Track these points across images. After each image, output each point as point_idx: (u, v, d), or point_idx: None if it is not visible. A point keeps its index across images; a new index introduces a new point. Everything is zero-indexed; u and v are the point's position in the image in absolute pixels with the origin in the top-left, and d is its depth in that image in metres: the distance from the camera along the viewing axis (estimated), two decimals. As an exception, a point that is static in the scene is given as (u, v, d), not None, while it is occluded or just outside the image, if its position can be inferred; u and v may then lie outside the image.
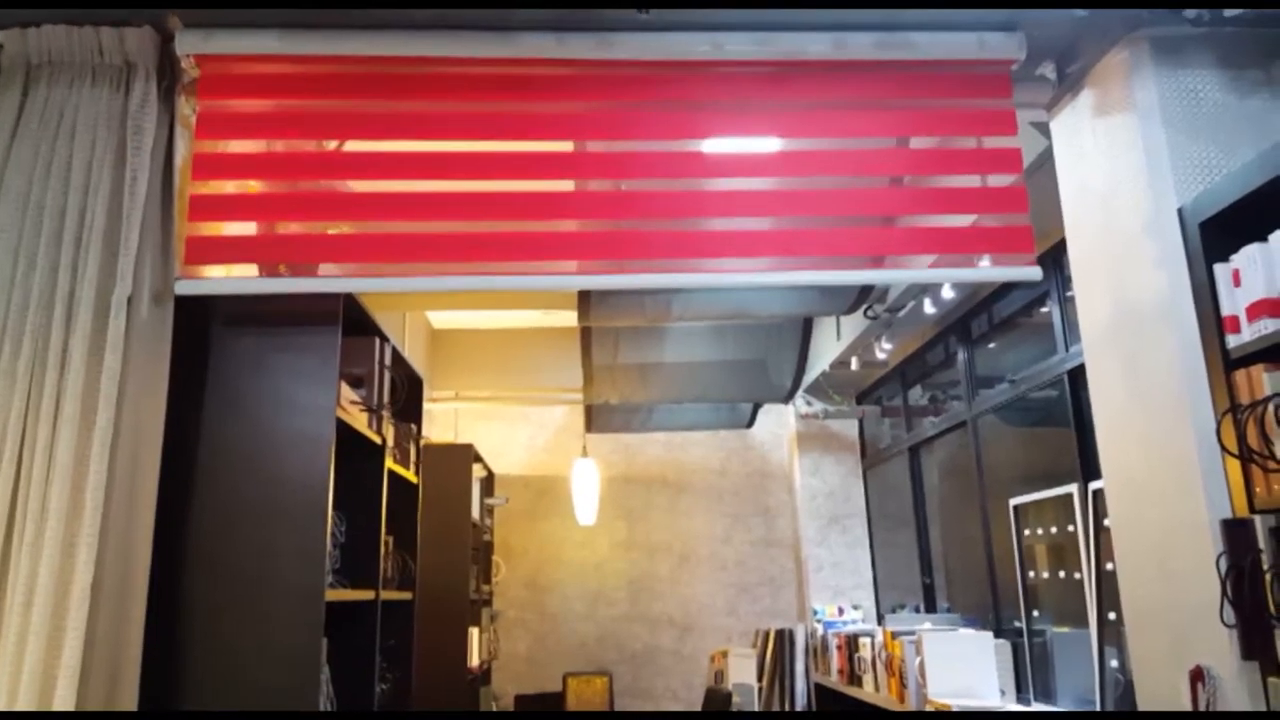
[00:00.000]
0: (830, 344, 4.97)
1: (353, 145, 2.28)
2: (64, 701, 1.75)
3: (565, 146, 2.32)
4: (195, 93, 2.23)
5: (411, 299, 4.17)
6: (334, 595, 2.29)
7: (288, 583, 2.13)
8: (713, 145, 2.32)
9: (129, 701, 1.88)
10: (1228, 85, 2.07)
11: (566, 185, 2.27)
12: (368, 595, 2.62)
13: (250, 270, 2.33)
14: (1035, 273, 2.19)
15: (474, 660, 4.70)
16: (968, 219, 2.27)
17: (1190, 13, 2.05)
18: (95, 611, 1.83)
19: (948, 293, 3.87)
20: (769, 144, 2.32)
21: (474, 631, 4.73)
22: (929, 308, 4.02)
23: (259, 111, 2.25)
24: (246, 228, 2.34)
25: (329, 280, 2.14)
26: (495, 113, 2.25)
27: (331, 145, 2.33)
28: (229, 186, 2.30)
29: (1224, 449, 1.82)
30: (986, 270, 2.20)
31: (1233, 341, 1.84)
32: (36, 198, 2.04)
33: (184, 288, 2.11)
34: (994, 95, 2.28)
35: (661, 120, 2.27)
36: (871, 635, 4.15)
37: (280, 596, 2.12)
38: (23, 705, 1.75)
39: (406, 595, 3.10)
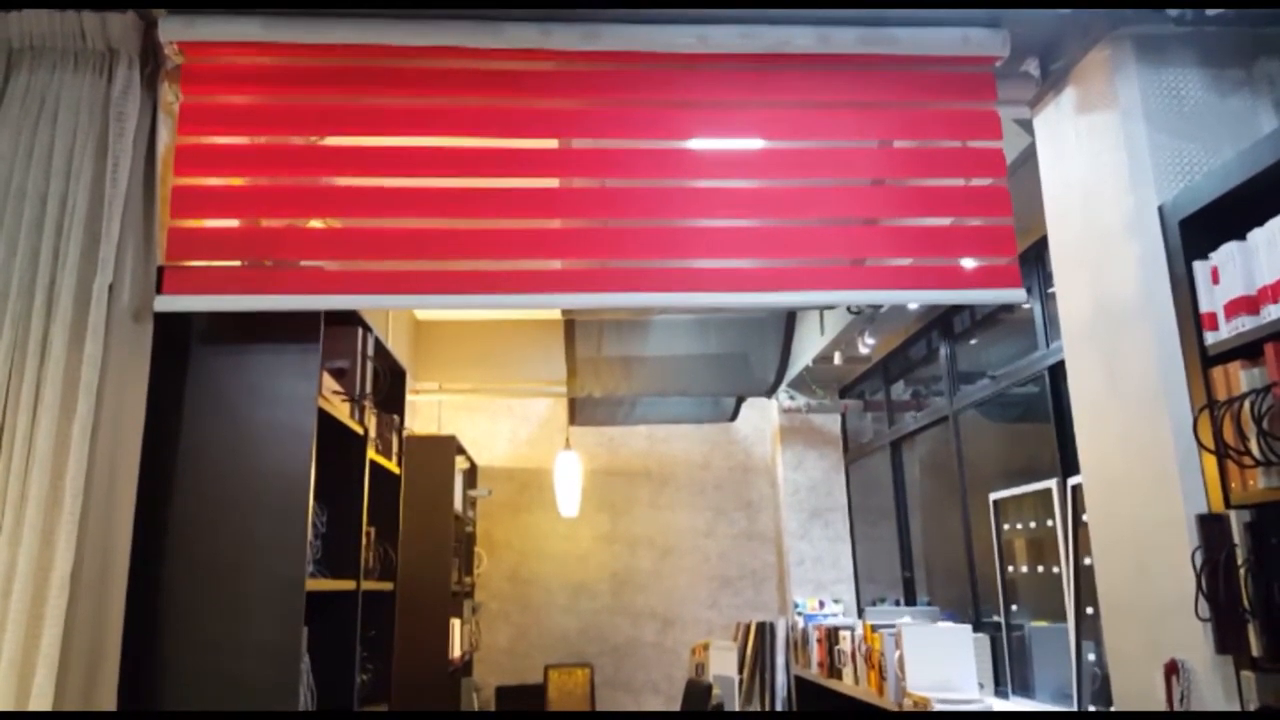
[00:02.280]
0: (813, 338, 4.99)
1: (337, 138, 2.27)
2: (43, 689, 1.75)
3: (550, 143, 2.31)
4: (178, 79, 2.21)
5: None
6: (315, 585, 2.28)
7: (268, 572, 2.13)
8: (697, 144, 2.32)
9: (108, 689, 1.88)
10: (1209, 84, 2.09)
11: (551, 182, 2.27)
12: (349, 585, 2.61)
13: (233, 262, 2.31)
14: (1019, 295, 2.20)
15: (455, 651, 4.70)
16: (950, 219, 2.28)
17: (1173, 11, 2.07)
18: (74, 600, 1.82)
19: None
20: (753, 142, 2.33)
21: (456, 623, 4.72)
22: (911, 304, 4.05)
23: (242, 98, 2.23)
24: (229, 218, 2.32)
25: (309, 298, 2.11)
26: (481, 108, 2.24)
27: (315, 136, 2.32)
28: (212, 175, 2.28)
29: (1201, 445, 1.84)
30: (972, 293, 2.22)
31: (1210, 338, 1.86)
32: (18, 183, 2.02)
33: (163, 304, 2.08)
34: (977, 92, 2.29)
35: (646, 118, 2.27)
36: (851, 628, 4.18)
37: (261, 586, 2.12)
38: (1, 692, 1.74)
39: (388, 586, 3.09)
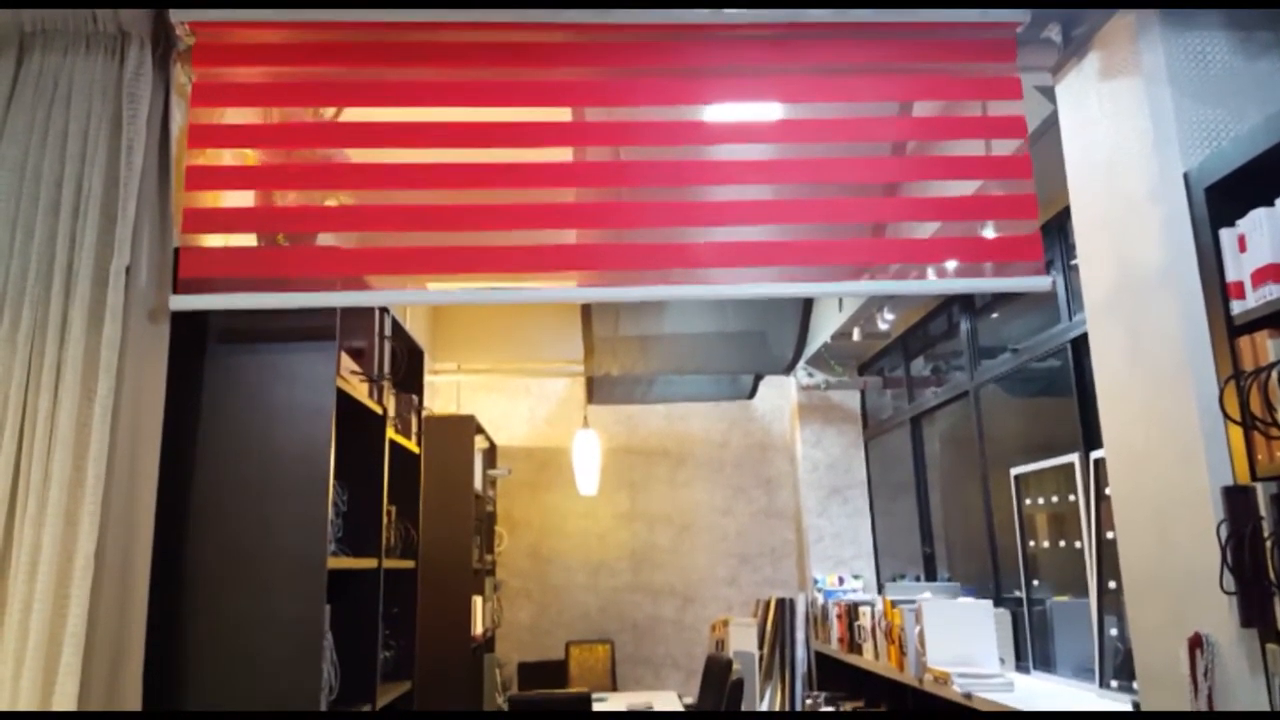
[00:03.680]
0: (832, 315, 4.96)
1: (350, 112, 2.26)
2: (70, 667, 1.77)
3: (563, 114, 2.30)
4: (190, 60, 2.21)
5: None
6: (336, 563, 2.30)
7: (290, 551, 2.14)
8: (712, 112, 2.29)
9: (134, 667, 1.90)
10: (1236, 47, 2.04)
11: (565, 154, 2.25)
12: (370, 564, 2.63)
13: (248, 244, 2.32)
14: (1044, 283, 2.17)
15: (478, 628, 4.74)
16: (971, 186, 2.25)
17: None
18: (99, 580, 1.84)
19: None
20: (769, 111, 2.30)
21: (477, 600, 4.76)
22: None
23: (255, 79, 2.23)
24: (244, 196, 2.32)
25: (325, 295, 2.10)
26: (494, 80, 2.22)
27: (329, 113, 2.31)
28: (226, 155, 2.28)
29: (1226, 416, 1.81)
30: (994, 281, 2.19)
31: (1237, 307, 1.82)
32: (33, 167, 2.02)
33: (179, 303, 2.08)
34: (998, 59, 2.25)
35: (661, 87, 2.25)
36: (871, 604, 4.18)
37: (283, 564, 2.13)
38: (29, 671, 1.76)
39: (409, 564, 3.11)
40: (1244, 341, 1.80)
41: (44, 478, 1.86)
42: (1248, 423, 1.76)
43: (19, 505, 1.85)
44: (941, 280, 2.20)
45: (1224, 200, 1.87)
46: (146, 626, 1.94)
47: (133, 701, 1.89)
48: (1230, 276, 1.84)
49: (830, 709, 4.56)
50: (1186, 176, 1.96)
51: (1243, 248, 1.81)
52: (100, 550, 1.85)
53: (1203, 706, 1.81)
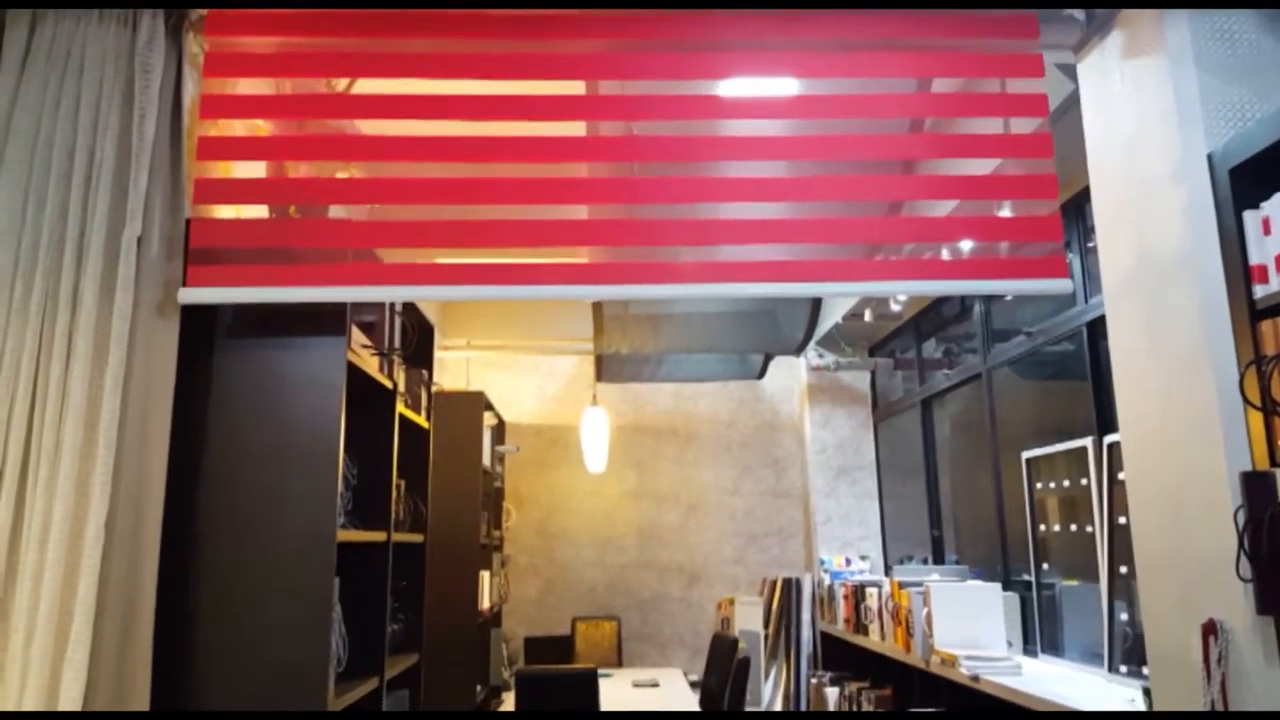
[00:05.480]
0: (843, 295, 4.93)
1: (363, 84, 2.24)
2: (80, 636, 1.78)
3: (577, 87, 2.27)
4: (203, 30, 2.18)
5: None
6: (345, 536, 2.30)
7: (300, 523, 2.14)
8: (727, 88, 2.26)
9: (144, 637, 1.90)
10: (1264, 25, 2.00)
11: (578, 127, 2.23)
12: (379, 537, 2.63)
13: (259, 215, 2.30)
14: (1066, 285, 2.14)
15: (485, 603, 4.76)
16: (990, 164, 2.22)
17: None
18: (109, 549, 1.85)
19: (965, 244, 3.81)
20: (785, 87, 2.26)
21: (485, 575, 4.78)
22: (946, 258, 3.97)
23: (267, 49, 2.21)
24: (256, 167, 2.31)
25: (337, 290, 2.08)
26: (507, 53, 2.20)
27: (341, 84, 2.29)
28: (238, 126, 2.27)
29: (1246, 401, 1.79)
30: (1013, 282, 2.16)
31: (1259, 291, 1.80)
32: (45, 136, 2.01)
33: (188, 296, 2.05)
34: (1020, 35, 2.21)
35: (676, 61, 2.22)
36: (879, 585, 4.18)
37: (292, 536, 2.14)
38: (40, 640, 1.77)
39: (418, 538, 3.12)
40: (1266, 325, 1.77)
41: (55, 447, 1.86)
42: (1268, 408, 1.73)
43: (30, 474, 1.86)
44: (959, 280, 2.17)
45: (1248, 182, 1.84)
46: (157, 597, 1.95)
47: (142, 671, 1.90)
48: (1253, 260, 1.81)
49: (836, 689, 4.57)
50: (1210, 157, 1.93)
51: (1267, 230, 1.78)
52: (111, 520, 1.86)
53: (1216, 693, 1.80)
